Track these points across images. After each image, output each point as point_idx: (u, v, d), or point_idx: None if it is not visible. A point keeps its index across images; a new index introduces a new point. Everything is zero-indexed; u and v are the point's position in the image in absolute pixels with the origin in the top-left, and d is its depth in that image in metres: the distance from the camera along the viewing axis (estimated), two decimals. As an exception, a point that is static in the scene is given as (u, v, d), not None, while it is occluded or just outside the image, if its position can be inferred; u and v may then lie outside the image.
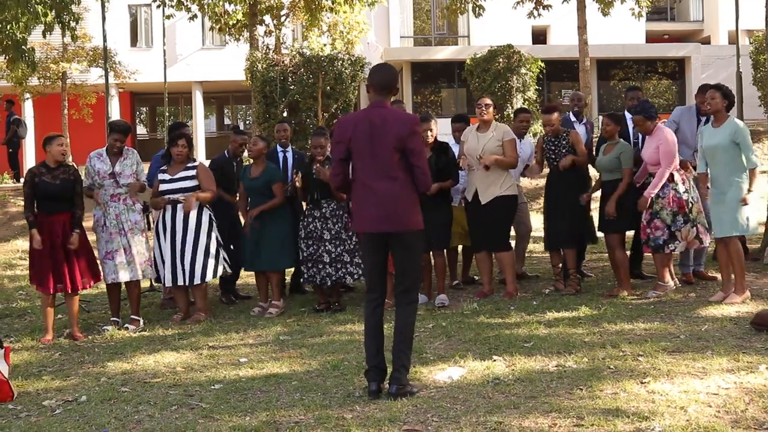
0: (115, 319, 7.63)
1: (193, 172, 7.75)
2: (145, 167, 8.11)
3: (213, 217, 7.81)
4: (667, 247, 7.53)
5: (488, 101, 8.08)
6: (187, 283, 7.68)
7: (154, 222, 8.46)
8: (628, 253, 8.30)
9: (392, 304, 5.80)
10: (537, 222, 10.52)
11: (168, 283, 7.75)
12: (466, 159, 7.90)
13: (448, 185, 7.88)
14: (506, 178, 7.98)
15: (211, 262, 7.74)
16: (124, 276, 7.53)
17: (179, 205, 7.62)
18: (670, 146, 7.48)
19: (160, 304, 8.69)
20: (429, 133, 7.75)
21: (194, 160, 7.95)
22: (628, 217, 7.79)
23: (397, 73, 5.27)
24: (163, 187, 7.70)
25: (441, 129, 8.23)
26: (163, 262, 7.67)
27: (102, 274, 7.56)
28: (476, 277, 8.97)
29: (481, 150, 7.85)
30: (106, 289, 7.77)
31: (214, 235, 7.80)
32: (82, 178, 7.47)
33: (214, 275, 7.90)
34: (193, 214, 7.63)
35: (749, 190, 7.14)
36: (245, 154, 8.86)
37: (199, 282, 7.71)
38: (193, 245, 7.63)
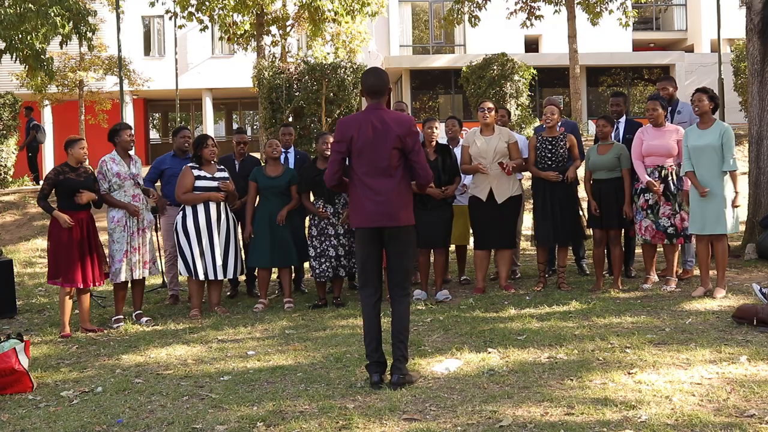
0: (120, 316, 7.59)
1: (226, 174, 7.89)
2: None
3: (235, 219, 7.92)
4: (689, 236, 7.60)
5: (490, 105, 8.06)
6: (221, 278, 7.75)
7: (160, 223, 8.57)
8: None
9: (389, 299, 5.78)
10: (528, 221, 10.50)
11: (201, 276, 7.67)
12: (478, 164, 7.85)
13: (458, 183, 7.88)
14: (514, 179, 8.01)
15: (239, 259, 7.89)
16: (143, 272, 7.56)
17: (211, 205, 7.67)
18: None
19: (171, 302, 8.66)
20: (433, 131, 7.80)
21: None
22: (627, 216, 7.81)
23: (386, 74, 5.26)
24: (204, 183, 7.68)
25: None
26: (201, 257, 7.62)
27: (111, 273, 7.49)
28: (465, 277, 8.98)
29: (492, 152, 7.85)
30: (114, 288, 7.66)
31: (239, 234, 7.92)
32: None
33: (242, 272, 8.08)
34: (224, 214, 7.74)
35: (736, 192, 7.17)
36: (262, 155, 8.91)
37: (232, 276, 7.96)
38: (227, 242, 7.72)
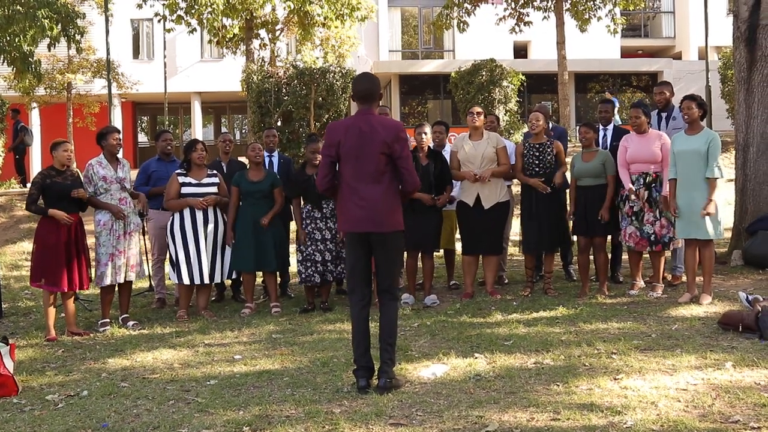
0: (106, 320, 7.56)
1: (216, 179, 7.85)
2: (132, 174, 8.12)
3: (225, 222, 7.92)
4: (672, 243, 7.61)
5: (479, 109, 8.10)
6: (207, 282, 7.73)
7: (147, 227, 8.51)
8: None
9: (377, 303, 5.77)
10: (517, 226, 10.50)
11: (186, 281, 7.68)
12: (468, 170, 7.87)
13: (449, 193, 7.88)
14: (502, 185, 8.02)
15: (227, 263, 7.88)
16: (129, 276, 7.53)
17: (198, 210, 7.64)
18: (668, 148, 7.52)
19: (157, 306, 8.62)
20: (423, 137, 7.80)
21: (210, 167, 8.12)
22: (612, 221, 7.82)
23: (377, 80, 5.28)
24: (189, 190, 7.67)
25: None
26: (187, 262, 7.63)
27: (96, 277, 7.47)
28: (454, 282, 8.97)
29: (480, 157, 7.87)
30: (101, 291, 7.62)
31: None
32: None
33: (229, 276, 8.05)
34: (214, 218, 7.73)
35: (709, 200, 7.10)
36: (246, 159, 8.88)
37: (220, 280, 7.96)
38: (214, 246, 7.72)
